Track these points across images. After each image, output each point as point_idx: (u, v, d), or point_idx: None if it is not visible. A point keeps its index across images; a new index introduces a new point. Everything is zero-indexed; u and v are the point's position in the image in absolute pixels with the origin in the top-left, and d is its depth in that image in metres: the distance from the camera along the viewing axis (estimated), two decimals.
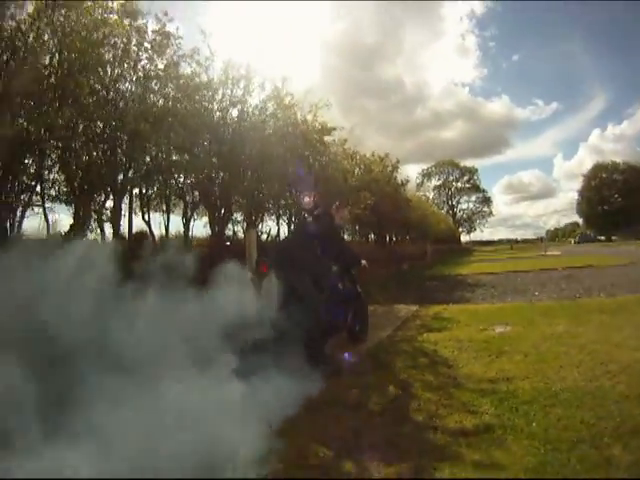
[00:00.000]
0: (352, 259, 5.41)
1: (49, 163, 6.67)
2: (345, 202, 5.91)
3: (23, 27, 5.83)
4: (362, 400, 3.62)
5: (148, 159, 7.91)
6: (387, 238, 18.05)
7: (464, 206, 69.28)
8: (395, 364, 4.59)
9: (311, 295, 4.51)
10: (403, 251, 19.08)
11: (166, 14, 7.14)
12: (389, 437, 2.90)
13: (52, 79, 6.09)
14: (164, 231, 9.12)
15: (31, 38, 5.88)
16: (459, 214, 68.15)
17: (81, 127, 6.68)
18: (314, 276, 4.64)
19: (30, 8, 5.90)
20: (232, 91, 8.39)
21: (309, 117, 9.42)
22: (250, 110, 8.65)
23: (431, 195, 63.75)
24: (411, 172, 74.98)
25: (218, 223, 9.39)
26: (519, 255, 35.11)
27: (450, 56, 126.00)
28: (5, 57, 5.67)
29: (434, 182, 69.21)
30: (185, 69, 7.71)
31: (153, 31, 7.05)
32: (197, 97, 7.84)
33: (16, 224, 6.41)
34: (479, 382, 3.80)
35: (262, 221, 10.39)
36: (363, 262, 5.54)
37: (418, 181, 65.00)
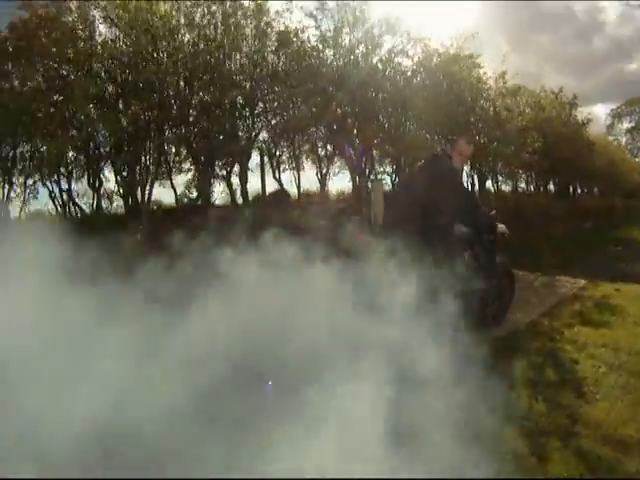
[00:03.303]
0: (483, 221, 4.02)
1: (171, 138, 7.07)
2: (468, 137, 4.37)
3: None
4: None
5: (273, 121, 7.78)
6: (570, 190, 14.96)
7: None
8: (510, 372, 3.39)
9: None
10: (586, 206, 15.48)
11: None
12: None
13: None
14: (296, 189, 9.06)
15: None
16: None
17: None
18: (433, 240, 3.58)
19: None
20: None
21: (451, 51, 7.94)
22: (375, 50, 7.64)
23: (624, 140, 50.27)
24: (600, 113, 60.84)
25: (360, 175, 8.83)
26: None
27: None
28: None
29: (626, 124, 54.29)
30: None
31: None
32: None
33: (146, 195, 6.90)
34: (604, 442, 2.39)
35: None
36: (501, 227, 4.12)
37: (608, 123, 51.87)
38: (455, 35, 8.22)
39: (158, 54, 6.21)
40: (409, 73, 8.19)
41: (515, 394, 3.00)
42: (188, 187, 7.44)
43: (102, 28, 6.11)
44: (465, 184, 4.26)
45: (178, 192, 7.60)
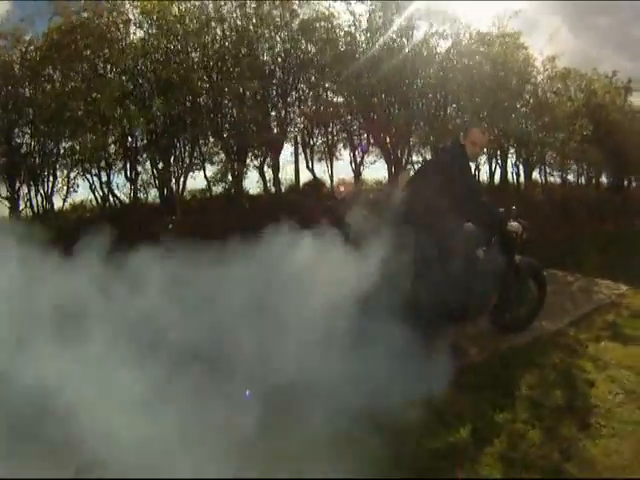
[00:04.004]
0: (489, 215, 3.65)
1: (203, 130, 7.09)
2: (482, 128, 4.07)
3: None
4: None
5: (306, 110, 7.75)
6: (624, 183, 13.77)
7: None
8: (513, 388, 3.16)
9: (430, 263, 3.35)
10: None
11: None
12: None
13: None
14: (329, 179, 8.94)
15: None
16: None
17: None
18: (439, 237, 3.42)
19: None
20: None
21: (494, 31, 7.51)
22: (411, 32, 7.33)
23: None
24: None
25: (395, 165, 8.54)
26: None
27: None
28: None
29: None
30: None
31: None
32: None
33: (180, 185, 7.14)
34: None
35: None
36: (512, 225, 3.69)
37: None
38: (499, 14, 7.80)
39: (186, 51, 6.35)
40: (448, 56, 7.81)
41: (510, 415, 2.81)
42: (218, 177, 7.50)
43: (131, 29, 6.29)
44: (474, 176, 3.98)
45: (210, 182, 7.69)
